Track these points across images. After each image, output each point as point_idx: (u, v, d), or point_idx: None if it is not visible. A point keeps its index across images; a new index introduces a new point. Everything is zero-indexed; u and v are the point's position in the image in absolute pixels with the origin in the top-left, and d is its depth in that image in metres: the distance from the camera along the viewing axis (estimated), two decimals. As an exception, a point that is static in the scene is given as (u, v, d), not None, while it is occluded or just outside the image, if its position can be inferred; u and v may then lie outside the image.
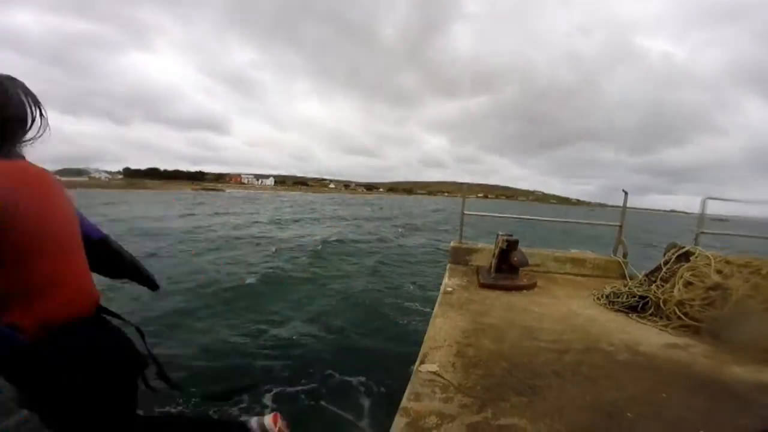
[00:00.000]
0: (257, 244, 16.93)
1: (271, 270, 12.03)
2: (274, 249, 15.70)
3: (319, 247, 16.29)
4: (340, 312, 8.40)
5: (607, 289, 3.56)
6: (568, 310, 3.19)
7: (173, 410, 4.67)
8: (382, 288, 10.69)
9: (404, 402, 1.78)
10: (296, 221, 30.35)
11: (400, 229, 27.28)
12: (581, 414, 1.72)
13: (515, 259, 3.88)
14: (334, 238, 19.30)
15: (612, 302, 3.31)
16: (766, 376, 2.10)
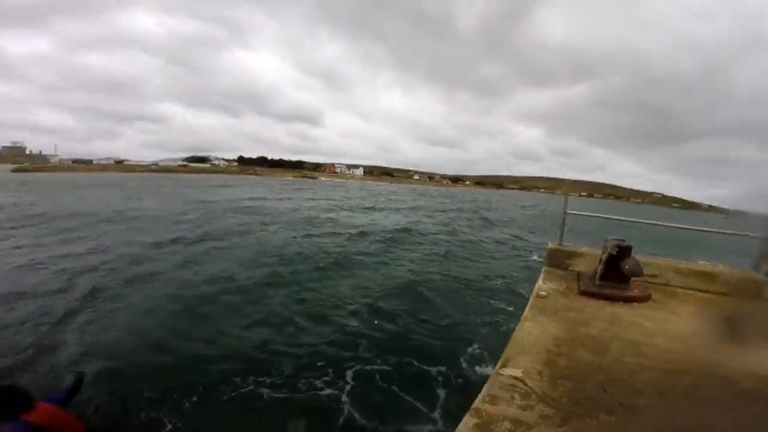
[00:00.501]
0: (340, 228, 18.02)
1: (352, 252, 12.74)
2: (354, 233, 16.53)
3: (392, 235, 16.71)
4: (413, 300, 8.51)
5: (745, 309, 2.98)
6: (690, 330, 2.73)
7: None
8: (456, 277, 10.48)
9: (477, 403, 1.71)
10: (380, 209, 31.36)
11: (481, 222, 26.28)
12: None
13: (627, 267, 3.37)
14: (407, 227, 19.52)
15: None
16: None
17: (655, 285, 3.88)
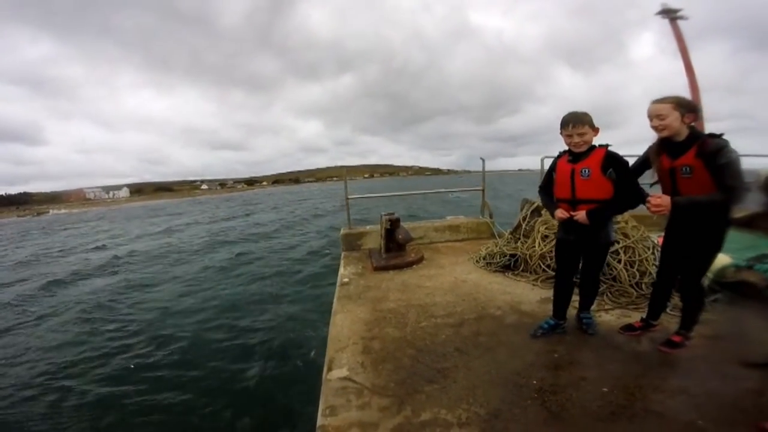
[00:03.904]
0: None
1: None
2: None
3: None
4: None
5: (483, 251, 3.91)
6: (454, 279, 3.40)
7: None
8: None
9: (320, 419, 1.61)
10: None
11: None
12: (492, 390, 1.76)
13: (400, 236, 3.95)
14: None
15: (489, 263, 3.65)
16: (630, 320, 2.34)
17: (424, 245, 4.72)
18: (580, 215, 2.02)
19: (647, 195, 1.89)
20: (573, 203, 2.09)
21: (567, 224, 2.13)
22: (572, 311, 2.41)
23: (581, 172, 2.02)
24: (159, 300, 9.21)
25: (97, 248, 19.43)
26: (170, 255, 15.18)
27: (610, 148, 2.02)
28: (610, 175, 1.97)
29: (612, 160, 1.97)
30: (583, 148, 2.04)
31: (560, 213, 2.11)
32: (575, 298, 2.36)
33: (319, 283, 9.45)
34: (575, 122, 2.01)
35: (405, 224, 4.20)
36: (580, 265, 2.29)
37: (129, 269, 13.21)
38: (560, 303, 2.28)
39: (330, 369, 2.02)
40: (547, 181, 2.26)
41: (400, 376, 1.91)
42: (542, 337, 2.24)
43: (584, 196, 2.04)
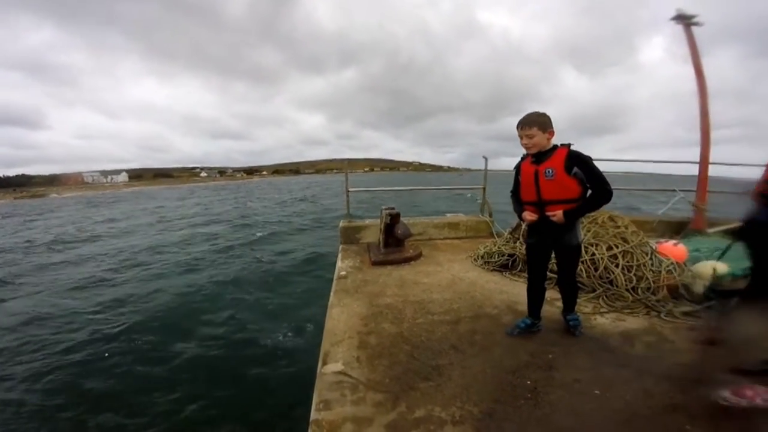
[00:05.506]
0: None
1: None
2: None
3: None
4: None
5: (481, 250, 3.91)
6: (452, 276, 3.40)
7: None
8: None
9: (314, 413, 1.61)
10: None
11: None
12: (487, 389, 1.77)
13: (399, 231, 3.95)
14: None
15: (487, 262, 3.65)
16: (625, 324, 2.39)
17: (423, 241, 4.71)
18: (558, 214, 2.00)
19: None
20: (540, 205, 2.07)
21: (535, 227, 2.15)
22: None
23: (545, 172, 2.00)
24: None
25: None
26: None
27: (572, 147, 1.99)
28: (576, 175, 1.95)
29: (575, 159, 1.95)
30: (533, 150, 2.03)
31: (527, 215, 2.13)
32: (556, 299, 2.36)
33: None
34: (523, 124, 2.01)
35: (404, 220, 4.19)
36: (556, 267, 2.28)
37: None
38: (535, 304, 2.31)
39: (325, 363, 2.02)
40: (516, 185, 2.24)
41: (395, 371, 1.91)
42: (519, 335, 2.26)
43: (550, 197, 2.02)
